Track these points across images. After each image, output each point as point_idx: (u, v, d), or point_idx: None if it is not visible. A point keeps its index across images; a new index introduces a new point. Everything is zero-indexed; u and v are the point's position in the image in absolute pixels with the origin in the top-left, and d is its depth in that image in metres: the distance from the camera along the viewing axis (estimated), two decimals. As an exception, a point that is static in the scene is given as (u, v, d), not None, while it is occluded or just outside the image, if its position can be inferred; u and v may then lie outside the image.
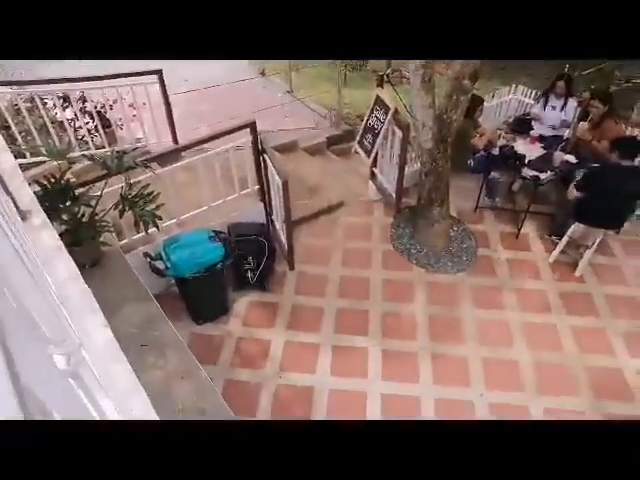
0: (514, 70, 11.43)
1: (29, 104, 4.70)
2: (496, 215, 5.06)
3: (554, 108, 5.25)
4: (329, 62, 8.78)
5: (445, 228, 4.64)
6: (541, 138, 5.14)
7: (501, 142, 4.95)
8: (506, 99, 6.31)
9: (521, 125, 5.41)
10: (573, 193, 4.17)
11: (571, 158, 4.69)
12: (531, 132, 5.20)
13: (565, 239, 4.39)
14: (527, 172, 4.59)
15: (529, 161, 4.65)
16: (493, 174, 4.95)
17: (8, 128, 4.34)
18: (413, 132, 4.44)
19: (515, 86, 6.34)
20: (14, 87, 4.53)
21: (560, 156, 4.71)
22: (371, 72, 11.26)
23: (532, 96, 6.08)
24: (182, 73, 7.18)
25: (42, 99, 4.62)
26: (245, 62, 8.66)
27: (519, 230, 4.80)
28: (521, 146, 4.89)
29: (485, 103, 5.41)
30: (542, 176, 4.51)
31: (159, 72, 4.85)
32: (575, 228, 4.31)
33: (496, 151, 4.86)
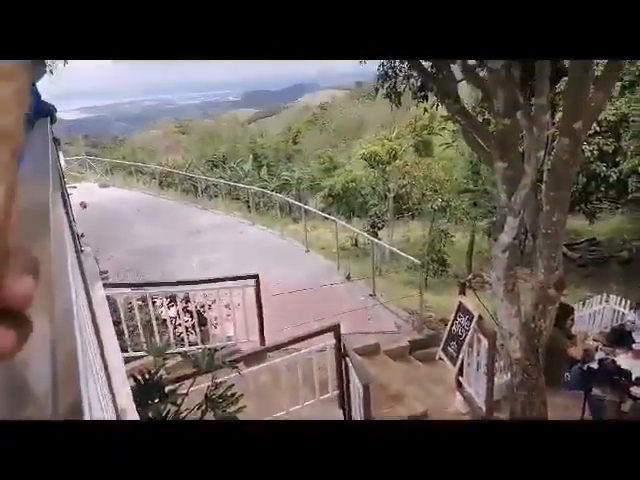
0: (602, 277, 11.17)
1: (141, 302, 5.33)
2: (607, 439, 4.39)
3: (656, 320, 4.94)
4: (411, 267, 9.22)
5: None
6: (646, 352, 4.72)
7: (599, 355, 4.60)
8: (598, 308, 6.07)
9: (620, 337, 5.08)
10: None
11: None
12: (633, 345, 4.82)
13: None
14: (637, 391, 4.11)
15: (637, 378, 4.20)
16: (595, 391, 4.48)
17: (119, 324, 4.85)
18: (500, 340, 4.31)
19: (607, 295, 6.15)
20: (133, 288, 5.22)
21: (675, 374, 4.23)
22: (452, 277, 11.62)
23: (627, 305, 5.81)
24: (274, 276, 7.89)
25: (153, 298, 5.24)
26: (333, 266, 9.35)
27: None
28: (624, 361, 4.49)
29: (576, 312, 5.23)
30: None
31: (256, 277, 5.38)
32: None
33: (595, 365, 4.49)
